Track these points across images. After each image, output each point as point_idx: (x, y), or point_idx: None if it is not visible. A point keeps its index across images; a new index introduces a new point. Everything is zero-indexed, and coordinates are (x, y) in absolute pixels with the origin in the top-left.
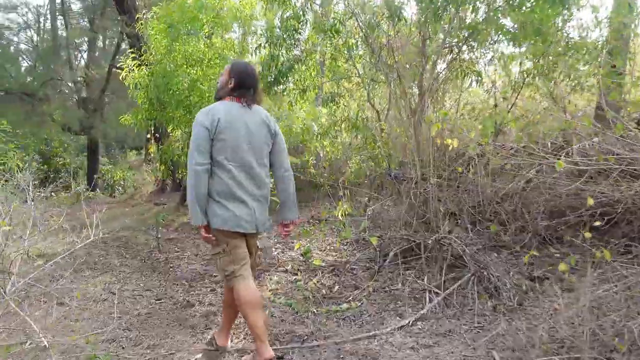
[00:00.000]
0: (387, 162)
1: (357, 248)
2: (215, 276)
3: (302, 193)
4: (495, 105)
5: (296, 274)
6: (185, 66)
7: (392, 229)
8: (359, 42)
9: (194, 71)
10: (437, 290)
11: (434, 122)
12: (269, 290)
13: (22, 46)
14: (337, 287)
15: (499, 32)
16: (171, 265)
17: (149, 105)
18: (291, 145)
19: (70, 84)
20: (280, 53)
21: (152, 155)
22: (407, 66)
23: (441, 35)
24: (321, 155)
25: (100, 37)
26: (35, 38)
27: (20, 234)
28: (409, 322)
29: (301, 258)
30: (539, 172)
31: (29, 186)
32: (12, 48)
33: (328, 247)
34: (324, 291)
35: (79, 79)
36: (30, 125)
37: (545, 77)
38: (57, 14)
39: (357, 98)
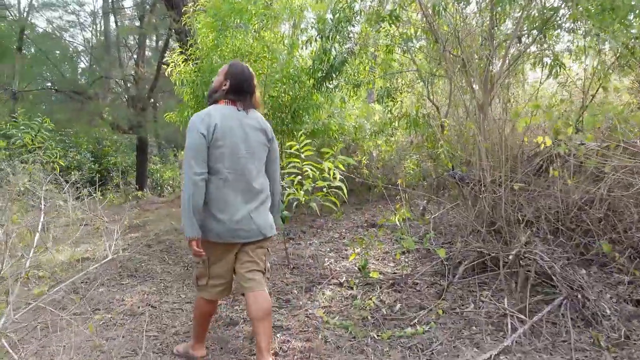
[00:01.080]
0: (449, 162)
1: (419, 258)
2: None
3: (354, 195)
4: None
5: (351, 288)
6: None
7: (459, 238)
8: (419, 31)
9: None
10: (521, 316)
11: (516, 118)
12: (321, 308)
13: (74, 45)
14: (399, 306)
15: (583, 16)
16: None
17: (195, 102)
18: (343, 144)
19: (119, 82)
20: (333, 46)
21: None
22: (475, 56)
23: (512, 21)
24: (374, 154)
25: (150, 35)
26: (86, 37)
27: (61, 237)
28: (491, 357)
29: (356, 268)
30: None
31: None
32: (65, 47)
33: (386, 257)
34: (384, 310)
35: (128, 77)
36: (80, 124)
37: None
38: (110, 13)
39: (416, 93)
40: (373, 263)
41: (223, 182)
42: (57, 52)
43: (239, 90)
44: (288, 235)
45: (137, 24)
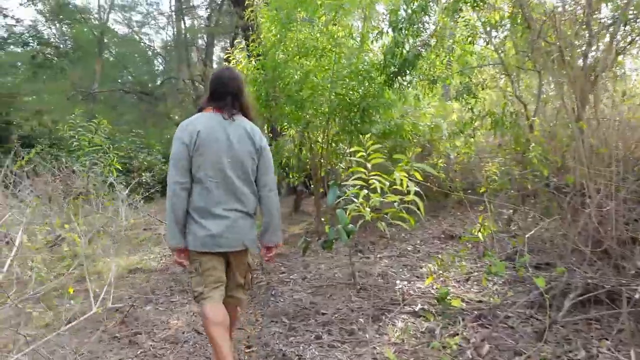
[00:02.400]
0: (544, 168)
1: (510, 283)
2: (324, 314)
3: (429, 201)
4: None
5: (428, 320)
6: (297, 57)
7: (559, 261)
8: (505, 18)
9: (307, 62)
10: None
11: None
12: (391, 345)
13: (146, 47)
14: (487, 349)
15: None
16: (272, 293)
17: (258, 101)
18: (417, 146)
19: (187, 83)
20: (406, 39)
21: None
22: (576, 43)
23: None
24: (452, 157)
25: (218, 34)
26: (157, 39)
27: (118, 244)
28: None
29: (432, 292)
30: None
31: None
32: (136, 50)
33: (468, 278)
34: (469, 354)
35: (196, 77)
36: (148, 125)
37: None
38: (181, 14)
39: (500, 89)
40: (453, 286)
41: (206, 191)
42: (129, 53)
43: (218, 94)
44: (356, 247)
45: (206, 23)
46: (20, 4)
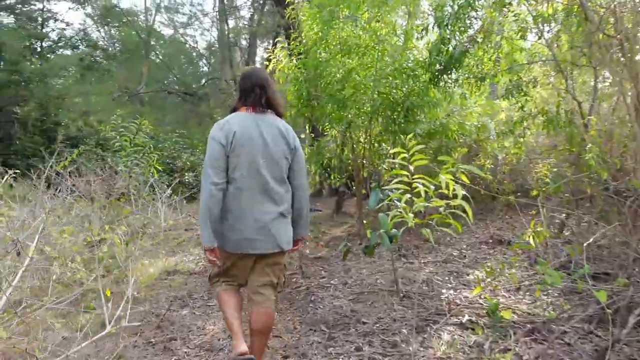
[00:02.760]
0: (603, 170)
1: (566, 294)
2: (365, 323)
3: (476, 203)
4: None
5: (476, 332)
6: (339, 54)
7: (620, 272)
8: (559, 10)
9: (349, 60)
10: None
11: None
12: None
13: (190, 48)
14: None
15: None
16: (312, 299)
17: (298, 100)
18: (467, 148)
19: (230, 83)
20: (452, 35)
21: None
22: (633, 38)
23: None
24: (500, 158)
25: (260, 34)
26: (200, 39)
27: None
28: None
29: (481, 302)
30: None
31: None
32: (180, 50)
33: (519, 286)
34: None
35: (237, 76)
36: (191, 125)
37: None
38: (225, 14)
39: (553, 86)
40: (503, 296)
41: (240, 192)
42: (175, 55)
43: (246, 91)
44: (399, 252)
45: (248, 24)
46: (70, 8)
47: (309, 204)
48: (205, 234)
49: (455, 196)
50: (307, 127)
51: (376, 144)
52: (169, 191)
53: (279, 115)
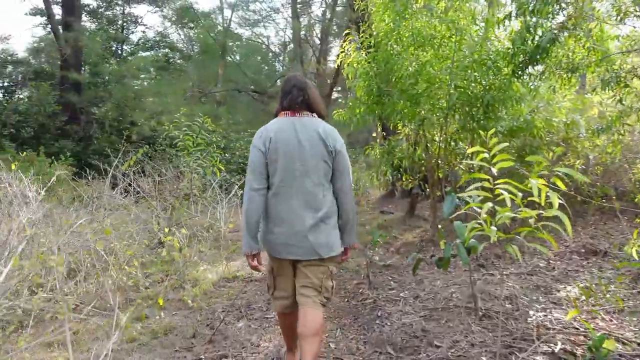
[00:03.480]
0: None
1: None
2: (438, 347)
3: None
4: None
5: None
6: (412, 47)
7: None
8: None
9: (424, 53)
10: None
11: None
12: None
13: (262, 47)
14: None
15: None
16: (379, 314)
17: (368, 97)
18: (551, 145)
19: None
20: (538, 23)
21: (372, 157)
22: None
23: None
24: (591, 158)
25: (330, 29)
26: (272, 36)
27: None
28: None
29: (576, 326)
30: None
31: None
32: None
33: (622, 308)
34: None
35: (310, 74)
36: (260, 124)
37: None
38: (297, 11)
39: None
40: (603, 319)
41: (278, 197)
42: (250, 54)
43: (284, 95)
44: (477, 261)
45: (320, 20)
46: (148, 11)
47: (355, 209)
48: (245, 239)
49: (548, 205)
50: (377, 125)
51: (452, 143)
52: (233, 192)
53: (321, 117)
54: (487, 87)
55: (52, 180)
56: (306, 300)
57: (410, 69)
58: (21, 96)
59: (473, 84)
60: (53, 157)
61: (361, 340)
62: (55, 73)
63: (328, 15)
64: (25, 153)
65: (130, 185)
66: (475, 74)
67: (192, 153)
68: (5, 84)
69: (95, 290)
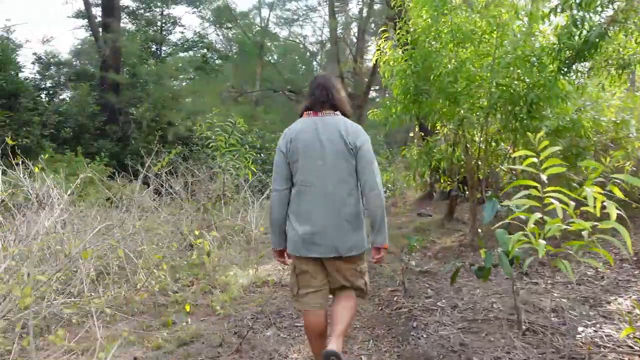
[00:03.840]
0: None
1: None
2: None
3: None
4: None
5: None
6: (451, 43)
7: None
8: None
9: (463, 50)
10: None
11: None
12: None
13: (300, 47)
14: None
15: None
16: (414, 325)
17: (404, 96)
18: (597, 146)
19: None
20: (586, 15)
21: (409, 158)
22: None
23: None
24: None
25: (367, 27)
26: (312, 37)
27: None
28: None
29: (630, 344)
30: None
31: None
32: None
33: None
34: None
35: (346, 73)
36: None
37: None
38: (333, 9)
39: None
40: None
41: (300, 196)
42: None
43: (309, 95)
44: (519, 269)
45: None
46: (186, 12)
47: (383, 205)
48: (272, 237)
49: (604, 214)
50: (415, 125)
51: (493, 143)
52: (266, 193)
53: (345, 115)
54: (531, 85)
55: (77, 182)
56: (341, 292)
57: (449, 66)
58: (63, 97)
59: (516, 82)
60: (90, 158)
61: (395, 354)
62: (95, 74)
63: (365, 13)
64: (57, 153)
65: (162, 186)
66: (519, 71)
67: (224, 154)
68: (48, 84)
69: (123, 294)
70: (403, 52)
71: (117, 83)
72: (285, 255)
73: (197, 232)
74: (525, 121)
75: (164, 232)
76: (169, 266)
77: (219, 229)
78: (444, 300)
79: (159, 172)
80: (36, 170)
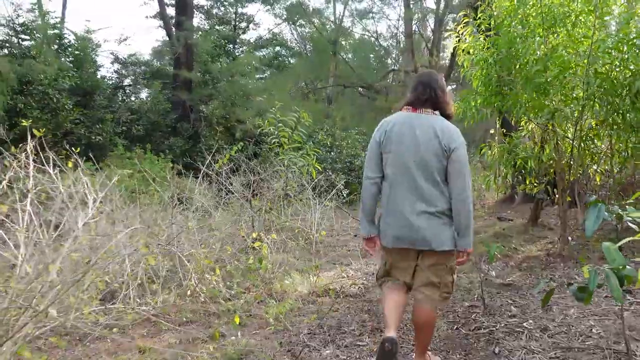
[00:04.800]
0: None
1: None
2: None
3: None
4: None
5: None
6: (540, 28)
7: None
8: None
9: (553, 35)
10: None
11: None
12: None
13: (374, 42)
14: None
15: None
16: (495, 350)
17: (485, 87)
18: None
19: (411, 73)
20: None
21: (489, 157)
22: None
23: None
24: None
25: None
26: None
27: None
28: None
29: None
30: None
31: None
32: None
33: None
34: None
35: (422, 67)
36: (366, 121)
37: None
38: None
39: None
40: None
41: (391, 188)
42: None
43: (410, 91)
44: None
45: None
46: (259, 9)
47: (471, 210)
48: (362, 223)
49: None
50: (497, 120)
51: (588, 140)
52: (328, 194)
53: (446, 116)
54: (636, 72)
55: (113, 180)
56: (424, 298)
57: (537, 53)
58: (141, 96)
59: (617, 69)
60: (160, 155)
61: None
62: (169, 73)
63: (442, 3)
64: (128, 151)
65: (222, 184)
66: (621, 55)
67: (286, 151)
68: (126, 83)
69: (173, 300)
70: (485, 39)
71: (189, 80)
72: (375, 242)
73: (254, 235)
74: (628, 114)
75: (221, 233)
76: (223, 270)
77: (279, 231)
78: (531, 321)
79: (220, 170)
80: (69, 164)
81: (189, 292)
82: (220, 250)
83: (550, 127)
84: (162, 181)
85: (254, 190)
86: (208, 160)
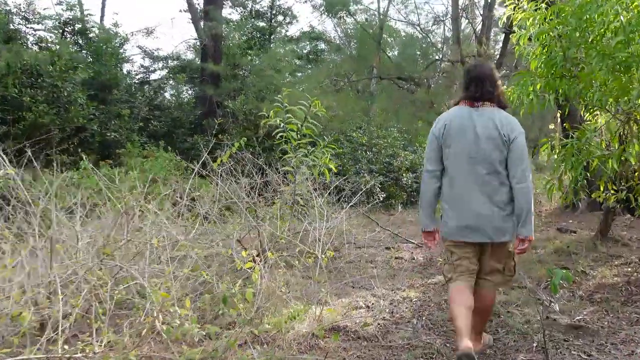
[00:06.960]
0: None
1: None
2: None
3: None
4: None
5: None
6: None
7: None
8: None
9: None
10: None
11: None
12: None
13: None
14: None
15: None
16: None
17: (546, 68)
18: None
19: (455, 64)
20: None
21: (549, 157)
22: None
23: None
24: None
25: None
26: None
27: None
28: None
29: None
30: None
31: None
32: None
33: None
34: None
35: (469, 57)
36: (405, 115)
37: None
38: None
39: None
40: None
41: (451, 182)
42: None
43: (465, 85)
44: None
45: None
46: (296, 1)
47: (531, 199)
48: (421, 218)
49: None
50: (558, 112)
51: None
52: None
53: (502, 107)
54: None
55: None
56: (486, 283)
57: (616, 23)
58: (164, 91)
59: None
60: (183, 153)
61: None
62: (196, 68)
63: None
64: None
65: (221, 187)
66: None
67: (294, 148)
68: (152, 78)
69: (125, 340)
70: (547, 8)
71: (217, 74)
72: (435, 236)
73: (244, 254)
74: None
75: (202, 252)
76: (195, 303)
77: (280, 248)
78: None
79: (218, 169)
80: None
81: (143, 332)
82: (197, 274)
83: (635, 118)
84: (162, 182)
85: (259, 196)
86: (203, 159)
